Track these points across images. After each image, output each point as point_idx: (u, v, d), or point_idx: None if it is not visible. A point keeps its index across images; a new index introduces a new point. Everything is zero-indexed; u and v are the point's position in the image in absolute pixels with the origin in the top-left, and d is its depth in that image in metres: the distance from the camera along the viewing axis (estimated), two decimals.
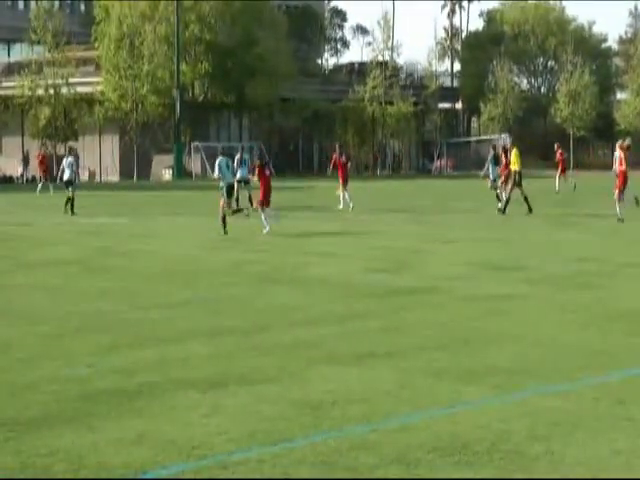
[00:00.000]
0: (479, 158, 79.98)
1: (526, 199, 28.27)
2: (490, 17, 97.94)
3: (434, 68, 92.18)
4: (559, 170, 41.81)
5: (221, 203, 23.31)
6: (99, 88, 68.81)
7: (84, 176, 70.67)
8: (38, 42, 69.71)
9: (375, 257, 18.03)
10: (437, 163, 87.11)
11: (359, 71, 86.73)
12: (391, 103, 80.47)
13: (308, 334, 10.52)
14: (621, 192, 24.88)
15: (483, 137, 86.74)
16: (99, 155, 70.29)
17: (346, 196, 31.29)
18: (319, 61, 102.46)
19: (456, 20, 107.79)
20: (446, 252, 18.79)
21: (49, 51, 69.55)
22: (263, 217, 22.98)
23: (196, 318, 11.62)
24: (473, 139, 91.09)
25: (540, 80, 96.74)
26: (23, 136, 71.61)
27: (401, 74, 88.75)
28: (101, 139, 69.89)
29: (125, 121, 69.28)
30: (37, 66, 69.50)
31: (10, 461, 6.25)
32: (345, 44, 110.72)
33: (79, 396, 7.91)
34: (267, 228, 22.74)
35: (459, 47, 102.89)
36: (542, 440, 6.66)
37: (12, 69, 77.17)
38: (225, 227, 22.79)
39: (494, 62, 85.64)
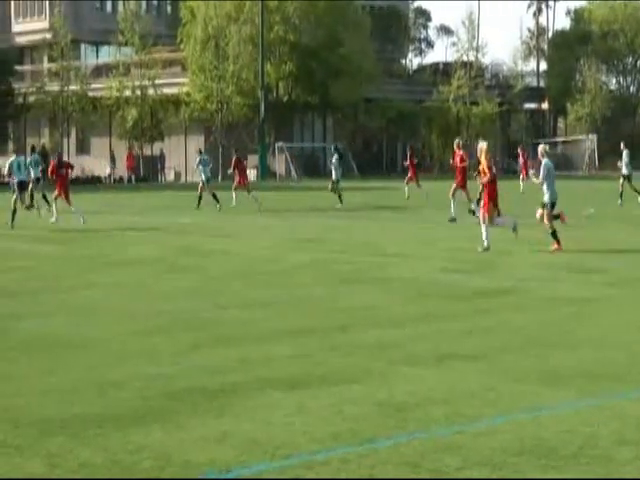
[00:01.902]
0: (566, 159, 78.95)
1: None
2: (577, 16, 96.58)
3: (519, 68, 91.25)
4: None
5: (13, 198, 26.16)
6: (185, 89, 69.43)
7: (170, 176, 71.42)
8: (125, 44, 70.59)
9: (455, 258, 17.91)
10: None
11: (443, 71, 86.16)
12: (476, 103, 79.84)
13: (389, 335, 10.49)
14: None
15: (570, 138, 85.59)
16: (184, 156, 70.92)
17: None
18: (403, 61, 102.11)
19: (542, 19, 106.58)
20: (527, 253, 18.58)
21: (136, 53, 70.39)
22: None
23: (278, 318, 11.66)
24: (560, 140, 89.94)
25: (629, 79, 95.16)
26: (110, 137, 72.59)
27: (486, 74, 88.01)
28: (187, 140, 70.51)
29: (210, 122, 69.79)
30: (124, 68, 70.38)
31: (98, 458, 6.34)
32: (429, 44, 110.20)
33: (164, 394, 7.99)
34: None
35: (545, 46, 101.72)
36: (631, 445, 6.54)
37: (100, 71, 78.29)
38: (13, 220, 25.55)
39: (581, 61, 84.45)
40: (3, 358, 9.51)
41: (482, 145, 20.03)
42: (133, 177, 65.25)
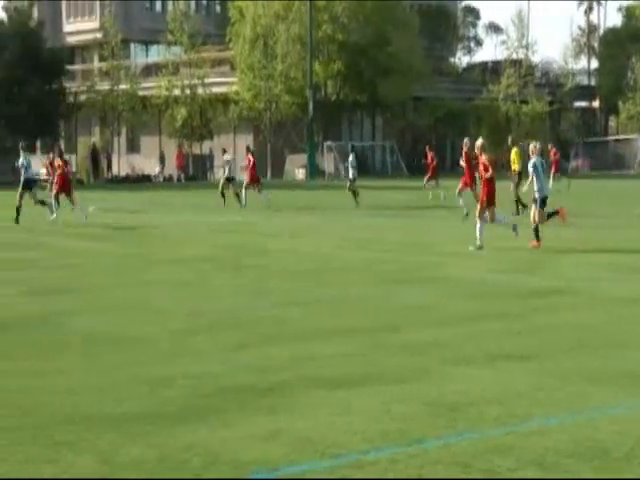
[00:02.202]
0: (617, 158, 78.22)
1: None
2: (629, 13, 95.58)
3: (570, 66, 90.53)
4: None
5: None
6: (234, 88, 69.68)
7: (219, 175, 71.69)
8: (175, 43, 70.99)
9: (507, 258, 17.80)
10: (574, 163, 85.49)
11: (493, 70, 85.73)
12: (526, 102, 79.33)
13: (440, 334, 10.43)
14: None
15: (621, 137, 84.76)
16: (233, 154, 71.17)
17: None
18: (452, 60, 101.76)
19: (593, 16, 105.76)
20: (581, 253, 18.42)
21: (185, 52, 70.76)
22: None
23: (328, 317, 11.64)
24: (611, 138, 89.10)
25: None
26: (160, 135, 73.04)
27: (536, 72, 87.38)
28: (235, 138, 70.76)
29: (259, 120, 70.00)
30: (174, 67, 70.78)
31: (149, 454, 6.36)
32: (478, 42, 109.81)
33: (213, 392, 8.00)
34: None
35: (596, 44, 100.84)
36: None
37: (150, 70, 78.81)
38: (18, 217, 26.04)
39: (633, 59, 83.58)
40: (56, 354, 9.58)
41: (478, 142, 19.97)
42: (182, 176, 65.60)
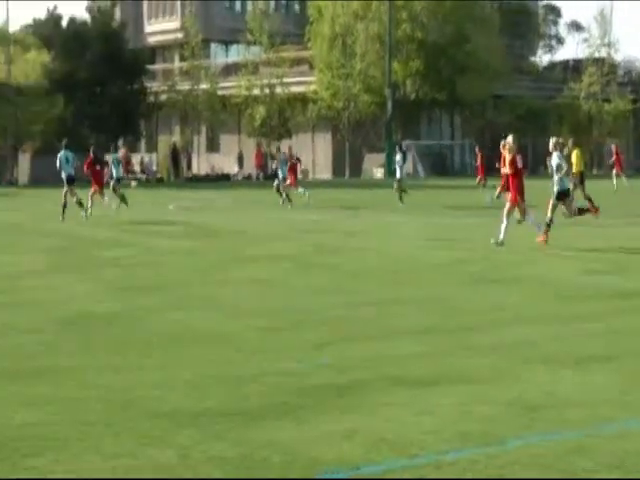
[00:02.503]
0: None
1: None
2: None
3: None
4: None
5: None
6: (312, 87, 69.88)
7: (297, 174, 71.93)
8: (254, 43, 71.41)
9: (593, 258, 17.58)
10: None
11: (574, 68, 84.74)
12: (608, 101, 78.32)
13: (523, 334, 10.35)
14: None
15: None
16: (312, 153, 71.38)
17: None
18: (533, 58, 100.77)
19: None
20: None
21: (265, 51, 71.15)
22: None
23: (408, 316, 11.63)
24: None
25: None
26: (239, 135, 73.51)
27: (619, 71, 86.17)
28: (314, 137, 70.93)
29: (337, 120, 70.09)
30: (253, 66, 71.20)
31: (228, 451, 6.42)
32: (559, 41, 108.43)
33: (294, 390, 8.04)
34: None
35: None
36: None
37: (229, 69, 79.39)
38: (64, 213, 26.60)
39: None
40: (140, 350, 9.72)
41: (509, 140, 20.05)
42: (261, 174, 65.97)
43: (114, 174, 33.33)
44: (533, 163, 76.48)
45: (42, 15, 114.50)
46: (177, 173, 69.18)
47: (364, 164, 71.18)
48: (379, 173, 68.71)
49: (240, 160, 70.82)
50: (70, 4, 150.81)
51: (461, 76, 70.50)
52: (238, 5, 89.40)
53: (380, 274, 15.65)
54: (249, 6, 77.80)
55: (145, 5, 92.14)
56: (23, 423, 7.10)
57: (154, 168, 70.01)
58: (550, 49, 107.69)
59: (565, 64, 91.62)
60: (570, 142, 29.49)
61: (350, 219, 27.66)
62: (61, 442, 6.61)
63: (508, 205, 19.53)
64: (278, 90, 70.61)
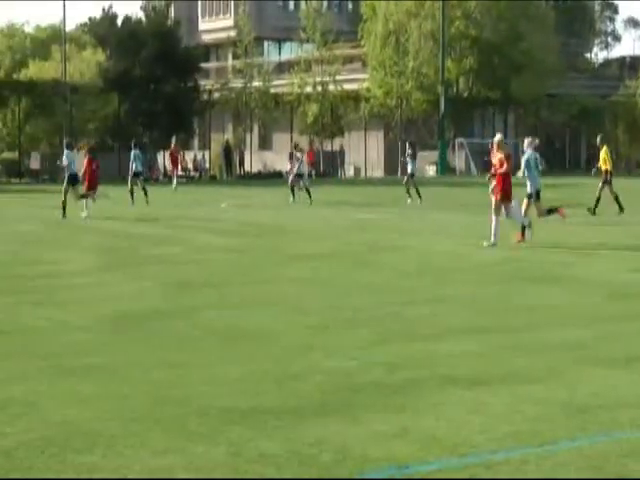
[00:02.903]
0: None
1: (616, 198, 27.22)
2: None
3: None
4: None
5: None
6: (365, 85, 69.79)
7: (349, 172, 71.93)
8: (307, 41, 71.49)
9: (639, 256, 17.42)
10: None
11: (631, 65, 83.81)
12: None
13: (573, 334, 10.26)
14: None
15: None
16: (364, 151, 71.32)
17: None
18: (588, 55, 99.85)
19: None
20: None
21: (317, 49, 71.19)
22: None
23: (459, 315, 11.57)
24: None
25: None
26: (292, 132, 73.64)
27: None
28: (366, 135, 70.87)
29: (390, 117, 69.95)
30: (306, 64, 71.27)
31: (278, 449, 6.42)
32: (616, 38, 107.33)
33: (344, 388, 8.03)
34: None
35: None
36: None
37: (282, 67, 79.53)
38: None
39: None
40: (189, 347, 9.76)
41: (496, 138, 20.19)
42: (313, 172, 66.05)
43: (133, 168, 35.26)
44: (587, 162, 75.79)
45: (97, 14, 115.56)
46: (229, 171, 69.43)
47: (416, 161, 70.96)
48: (431, 171, 68.46)
49: (290, 159, 70.89)
50: (125, 3, 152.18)
51: (515, 74, 69.99)
52: (291, 3, 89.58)
53: (430, 272, 15.59)
54: (302, 4, 77.84)
55: (199, 3, 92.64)
56: (73, 419, 7.15)
57: (207, 166, 70.33)
58: (606, 46, 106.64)
59: (621, 61, 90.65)
60: (598, 140, 29.42)
61: (401, 217, 27.58)
62: (110, 438, 6.66)
63: (494, 203, 19.70)
64: (331, 88, 70.58)
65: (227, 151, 69.01)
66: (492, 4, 70.82)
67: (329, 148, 71.37)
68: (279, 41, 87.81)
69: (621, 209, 27.25)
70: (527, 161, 20.70)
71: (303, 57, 71.88)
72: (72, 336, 10.42)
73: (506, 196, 19.50)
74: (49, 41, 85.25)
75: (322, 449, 6.40)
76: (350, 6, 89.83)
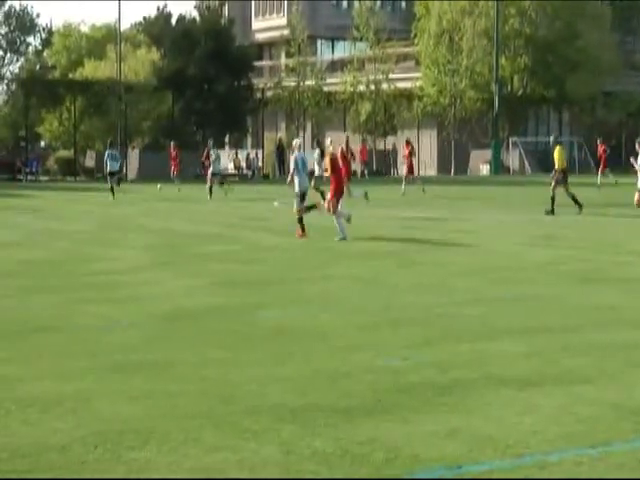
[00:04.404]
0: None
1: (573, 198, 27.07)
2: None
3: None
4: None
5: None
6: (418, 83, 69.61)
7: (402, 171, 71.74)
8: (360, 39, 71.45)
9: None
10: None
11: None
12: None
13: (628, 336, 10.14)
14: None
15: None
16: (417, 150, 71.13)
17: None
18: None
19: None
20: None
21: (371, 48, 71.12)
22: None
23: (511, 315, 11.49)
24: None
25: None
26: (345, 131, 73.63)
27: None
28: (419, 134, 70.70)
29: (443, 116, 69.71)
30: (359, 63, 71.24)
31: (330, 447, 6.42)
32: None
33: (394, 388, 8.02)
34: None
35: None
36: None
37: (335, 66, 79.56)
38: None
39: None
40: (240, 345, 9.80)
41: (327, 142, 21.07)
42: (366, 171, 65.99)
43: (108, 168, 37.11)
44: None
45: (152, 13, 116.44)
46: (282, 169, 69.61)
47: (470, 160, 70.66)
48: (485, 170, 68.12)
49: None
50: (180, 3, 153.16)
51: (570, 73, 69.40)
52: (344, 2, 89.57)
53: (484, 272, 15.50)
54: (355, 3, 77.79)
55: (253, 3, 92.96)
56: (126, 416, 7.21)
57: (259, 164, 70.58)
58: None
59: None
60: (552, 140, 29.41)
61: (454, 216, 27.46)
62: (162, 435, 6.70)
63: (328, 203, 20.55)
64: (384, 86, 70.49)
65: (280, 150, 69.17)
66: (547, 1, 70.29)
67: (382, 147, 71.24)
68: (332, 40, 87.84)
69: (580, 207, 27.13)
70: (295, 162, 21.44)
71: (356, 56, 71.86)
72: (124, 333, 10.50)
73: (336, 197, 20.57)
74: (104, 40, 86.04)
75: (373, 448, 6.39)
76: (403, 5, 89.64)
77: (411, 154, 39.70)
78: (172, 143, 46.06)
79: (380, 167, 70.13)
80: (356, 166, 69.59)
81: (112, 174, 37.13)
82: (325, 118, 72.80)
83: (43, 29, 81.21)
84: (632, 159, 26.16)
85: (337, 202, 20.88)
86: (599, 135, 77.54)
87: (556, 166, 28.09)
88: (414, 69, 73.24)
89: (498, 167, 66.13)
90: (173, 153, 44.83)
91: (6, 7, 72.25)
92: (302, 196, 21.28)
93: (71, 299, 12.86)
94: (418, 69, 72.01)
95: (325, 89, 71.90)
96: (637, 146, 23.49)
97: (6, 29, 72.14)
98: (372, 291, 13.56)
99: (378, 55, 70.77)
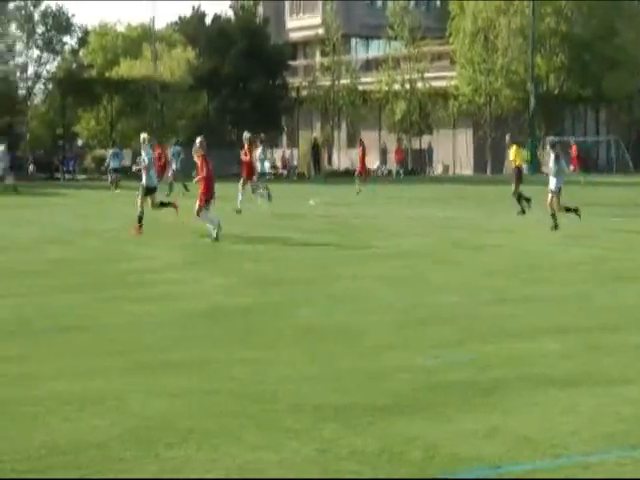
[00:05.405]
0: None
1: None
2: None
3: None
4: None
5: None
6: (453, 82, 69.42)
7: (438, 170, 71.60)
8: (395, 38, 71.35)
9: None
10: None
11: None
12: None
13: None
14: None
15: None
16: (452, 149, 70.95)
17: None
18: None
19: None
20: None
21: (405, 46, 71.01)
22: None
23: (545, 314, 11.42)
24: None
25: None
26: (380, 130, 73.59)
27: None
28: (455, 133, 70.48)
29: (479, 115, 69.48)
30: (394, 61, 71.15)
31: (369, 446, 6.40)
32: None
33: (430, 386, 7.98)
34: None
35: None
36: None
37: (370, 65, 79.48)
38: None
39: None
40: (275, 344, 9.78)
41: (196, 142, 20.79)
42: (401, 170, 65.93)
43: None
44: None
45: (187, 13, 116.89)
46: (317, 168, 69.66)
47: (506, 160, 70.36)
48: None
49: (383, 155, 70.90)
50: (215, 2, 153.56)
51: (607, 71, 68.96)
52: (379, 1, 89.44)
53: (517, 271, 15.41)
54: (390, 2, 77.69)
55: (287, 2, 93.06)
56: (164, 414, 7.21)
57: (295, 163, 70.66)
58: None
59: None
60: (507, 139, 29.38)
61: (488, 215, 27.36)
62: (202, 433, 6.70)
63: (198, 204, 20.36)
64: (419, 85, 70.37)
65: (315, 148, 69.22)
66: (583, 2, 69.90)
67: (417, 146, 71.11)
68: (367, 38, 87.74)
69: (524, 207, 27.07)
70: (149, 159, 21.90)
71: (391, 54, 71.76)
72: (159, 331, 10.51)
73: (206, 199, 20.38)
74: (140, 40, 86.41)
75: (412, 447, 6.36)
76: (438, 3, 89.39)
77: (364, 154, 39.51)
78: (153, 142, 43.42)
79: (415, 166, 69.97)
80: (391, 165, 69.61)
81: (115, 170, 42.54)
82: (360, 117, 72.76)
83: (79, 28, 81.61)
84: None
85: (207, 204, 20.52)
86: (637, 133, 77.12)
87: (515, 164, 28.22)
88: (449, 68, 73.04)
89: (534, 166, 65.79)
90: (156, 153, 41.53)
91: (42, 7, 72.58)
92: (153, 190, 22.07)
93: (104, 298, 12.87)
94: (453, 68, 71.81)
95: (360, 88, 71.86)
96: None
97: (43, 29, 72.51)
98: (403, 290, 13.51)
99: (413, 54, 70.64)
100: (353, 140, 78.34)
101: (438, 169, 71.79)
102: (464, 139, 71.80)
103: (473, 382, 8.11)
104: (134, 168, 36.94)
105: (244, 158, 29.20)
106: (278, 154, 69.48)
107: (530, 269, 15.70)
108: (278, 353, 9.36)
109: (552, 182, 22.60)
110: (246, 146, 29.07)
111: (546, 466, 6.04)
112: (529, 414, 7.16)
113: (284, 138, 77.44)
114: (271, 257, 17.70)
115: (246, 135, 29.56)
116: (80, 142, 75.94)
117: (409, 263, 16.58)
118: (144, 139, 22.40)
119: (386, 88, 70.51)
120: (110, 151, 42.98)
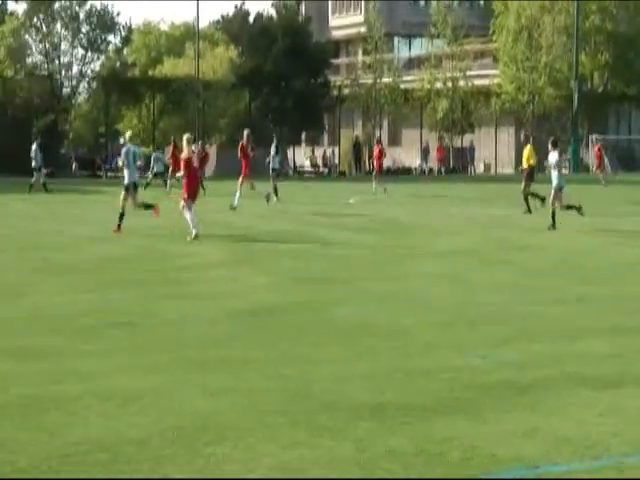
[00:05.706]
0: None
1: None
2: None
3: None
4: None
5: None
6: (496, 80, 69.03)
7: (479, 168, 71.26)
8: (437, 36, 71.09)
9: None
10: None
11: None
12: None
13: None
14: None
15: None
16: (495, 147, 70.55)
17: None
18: None
19: None
20: None
21: (448, 45, 70.72)
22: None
23: (593, 314, 11.33)
24: None
25: None
26: (421, 129, 73.36)
27: None
28: (497, 131, 70.09)
29: (521, 113, 69.04)
30: (436, 60, 70.90)
31: (405, 445, 6.39)
32: None
33: (471, 386, 7.95)
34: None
35: None
36: None
37: (412, 63, 79.23)
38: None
39: None
40: (317, 342, 9.78)
41: (185, 137, 20.91)
42: (443, 169, 65.71)
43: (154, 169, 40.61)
44: None
45: (230, 11, 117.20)
46: (358, 167, 69.51)
47: (548, 159, 69.92)
48: (563, 168, 67.31)
49: (425, 154, 70.67)
50: (257, 2, 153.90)
51: None
52: (422, 0, 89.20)
53: (563, 271, 15.32)
54: (433, 2, 77.44)
55: (330, 0, 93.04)
56: (204, 411, 7.24)
57: (336, 161, 70.59)
58: None
59: None
60: (522, 138, 29.10)
61: (532, 214, 27.17)
62: (239, 431, 6.72)
63: (183, 201, 20.32)
64: (461, 83, 70.00)
65: (356, 147, 69.11)
66: (629, 0, 69.26)
67: (459, 144, 70.81)
68: (409, 37, 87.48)
69: (529, 210, 26.83)
70: (126, 155, 21.88)
71: (433, 53, 71.48)
72: (201, 329, 10.56)
73: (191, 195, 20.34)
74: (183, 38, 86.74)
75: (450, 447, 6.34)
76: (482, 2, 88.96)
77: (381, 154, 39.25)
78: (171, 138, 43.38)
79: (457, 165, 69.69)
80: (432, 163, 69.40)
81: (156, 175, 41.21)
82: (402, 115, 72.51)
83: (123, 27, 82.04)
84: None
85: (192, 202, 20.44)
86: None
87: (527, 164, 27.97)
88: (492, 66, 72.63)
89: (578, 165, 65.31)
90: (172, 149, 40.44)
91: (87, 6, 73.11)
92: (133, 187, 21.89)
93: (149, 294, 12.97)
94: (496, 66, 71.40)
95: (402, 86, 71.59)
96: None
97: (87, 28, 73.05)
98: (449, 289, 13.46)
99: (455, 52, 70.31)
100: (395, 139, 78.24)
101: (479, 167, 71.42)
102: (506, 138, 71.36)
103: (514, 382, 8.07)
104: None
105: (241, 154, 29.78)
106: (319, 152, 69.38)
107: (578, 269, 15.59)
108: (321, 351, 9.35)
109: (554, 177, 22.58)
110: (242, 142, 29.79)
111: (585, 467, 6.00)
112: (570, 415, 7.12)
113: (325, 136, 77.39)
114: (314, 255, 17.69)
115: (246, 132, 30.29)
116: (122, 140, 76.38)
117: (455, 262, 16.51)
118: (125, 138, 22.97)
119: (428, 86, 70.23)
120: (153, 154, 42.80)
